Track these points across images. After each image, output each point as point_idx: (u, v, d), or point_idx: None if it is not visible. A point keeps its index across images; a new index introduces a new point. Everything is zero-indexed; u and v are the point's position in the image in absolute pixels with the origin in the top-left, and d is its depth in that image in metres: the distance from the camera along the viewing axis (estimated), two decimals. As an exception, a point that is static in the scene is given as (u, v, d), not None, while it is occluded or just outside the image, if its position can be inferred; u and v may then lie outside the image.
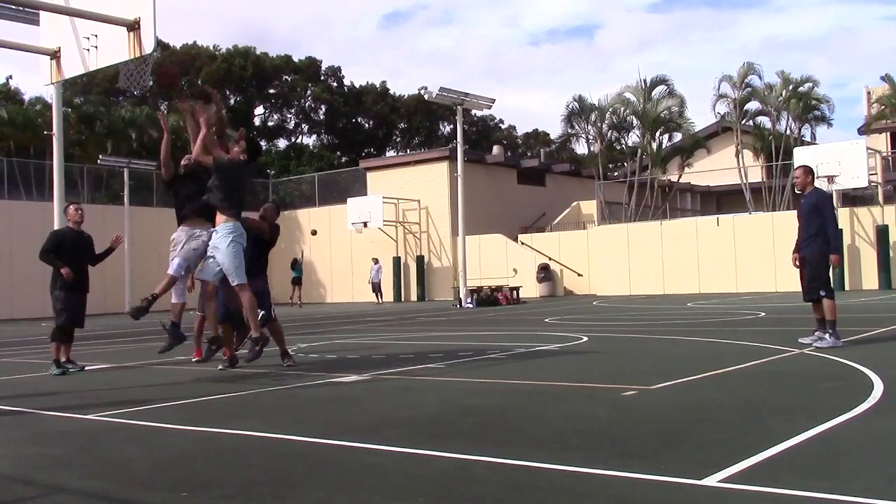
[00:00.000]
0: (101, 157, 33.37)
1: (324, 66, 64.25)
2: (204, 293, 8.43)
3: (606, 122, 35.57)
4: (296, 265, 31.50)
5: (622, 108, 35.23)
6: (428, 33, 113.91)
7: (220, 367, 8.39)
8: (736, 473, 3.47)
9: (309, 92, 62.88)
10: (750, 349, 8.55)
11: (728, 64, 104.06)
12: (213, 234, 7.64)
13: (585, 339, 10.83)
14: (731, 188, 37.12)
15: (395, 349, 10.30)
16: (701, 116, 79.05)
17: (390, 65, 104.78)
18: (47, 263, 9.28)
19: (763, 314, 14.76)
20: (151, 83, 10.02)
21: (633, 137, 36.57)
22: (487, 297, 25.42)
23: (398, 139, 68.54)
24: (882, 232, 24.83)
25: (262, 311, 7.85)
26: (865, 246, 25.28)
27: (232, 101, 58.01)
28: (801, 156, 25.65)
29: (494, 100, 28.00)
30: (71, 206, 9.75)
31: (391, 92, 65.89)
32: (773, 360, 7.58)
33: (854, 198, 29.96)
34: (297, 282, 31.19)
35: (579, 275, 31.26)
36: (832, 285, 8.83)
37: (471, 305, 25.08)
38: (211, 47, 59.63)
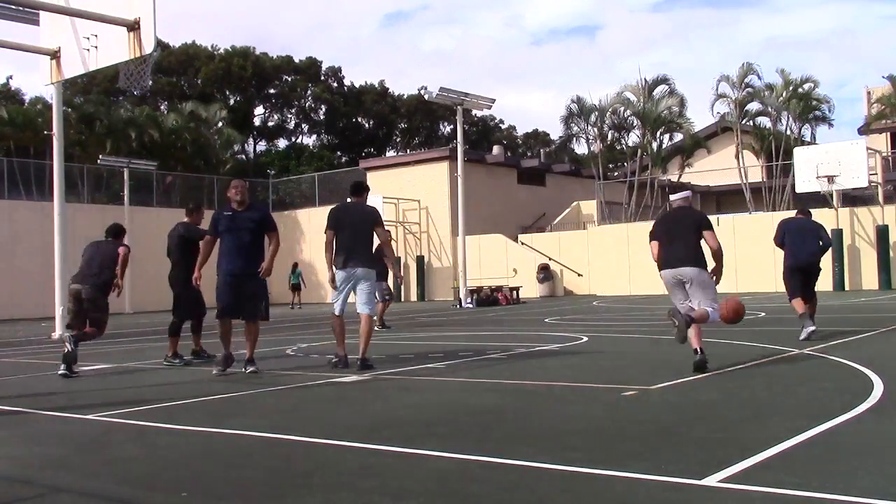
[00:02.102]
0: (101, 157, 33.36)
1: (324, 67, 64.32)
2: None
3: (607, 122, 35.58)
4: (294, 271, 31.43)
5: (622, 109, 35.25)
6: (429, 33, 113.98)
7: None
8: (736, 473, 3.47)
9: (309, 92, 62.91)
10: (750, 349, 8.55)
11: (730, 64, 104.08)
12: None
13: (585, 339, 10.83)
14: (731, 188, 37.11)
15: (395, 349, 10.30)
16: (702, 116, 79.03)
17: (392, 65, 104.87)
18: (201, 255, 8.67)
19: (763, 314, 14.75)
20: (151, 83, 10.06)
21: (633, 137, 36.61)
22: (487, 297, 25.42)
23: (398, 139, 68.56)
24: (882, 232, 24.82)
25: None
26: (865, 246, 25.28)
27: (231, 101, 58.03)
28: (800, 156, 25.67)
29: (494, 100, 28.01)
30: (193, 212, 9.96)
31: (391, 92, 65.96)
32: (773, 360, 7.58)
33: (854, 198, 29.95)
34: (296, 288, 31.10)
35: (579, 275, 31.26)
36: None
37: (471, 305, 25.08)
38: (209, 47, 59.64)
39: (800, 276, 9.81)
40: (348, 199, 8.58)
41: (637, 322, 14.25)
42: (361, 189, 8.51)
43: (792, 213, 11.13)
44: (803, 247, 9.83)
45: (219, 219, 8.17)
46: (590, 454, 4.00)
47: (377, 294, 8.70)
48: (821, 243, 9.94)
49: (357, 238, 8.05)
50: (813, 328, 9.35)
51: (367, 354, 8.00)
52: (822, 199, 26.33)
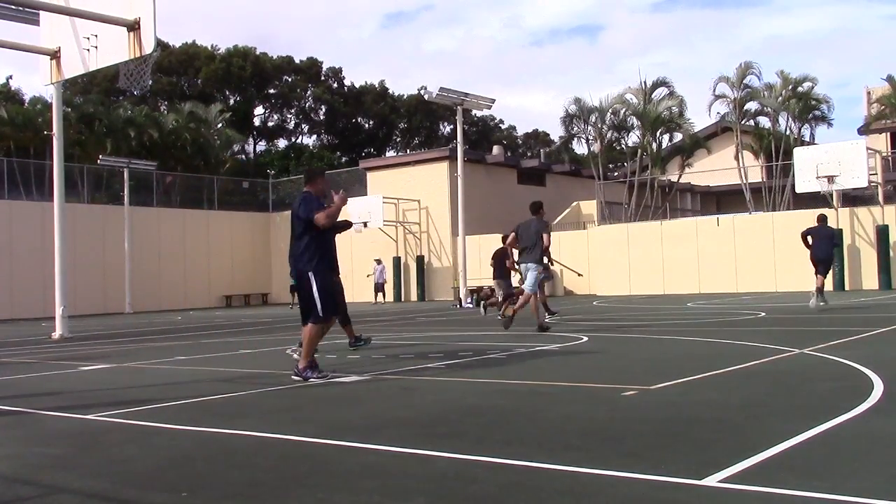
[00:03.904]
0: (101, 157, 33.38)
1: (325, 67, 64.34)
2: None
3: (607, 122, 35.58)
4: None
5: (622, 109, 35.24)
6: (431, 34, 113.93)
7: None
8: (736, 473, 3.47)
9: (309, 92, 62.91)
10: (750, 349, 8.55)
11: (731, 64, 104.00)
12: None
13: (585, 339, 10.82)
14: (731, 188, 37.13)
15: (395, 349, 10.30)
16: (703, 116, 78.86)
17: (393, 65, 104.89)
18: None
19: (763, 314, 14.76)
20: (151, 83, 10.02)
21: (633, 138, 36.62)
22: (487, 298, 25.39)
23: (398, 139, 68.60)
24: (882, 232, 24.82)
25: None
26: (865, 246, 25.28)
27: (231, 101, 58.03)
28: (800, 156, 25.65)
29: (494, 100, 28.03)
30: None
31: (391, 92, 65.98)
32: (773, 360, 7.58)
33: (854, 198, 29.95)
34: (294, 289, 31.13)
35: (579, 275, 31.20)
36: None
37: (471, 305, 25.07)
38: (209, 47, 59.64)
39: (819, 265, 15.35)
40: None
41: (637, 322, 14.25)
42: (537, 207, 12.60)
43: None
44: (821, 247, 15.22)
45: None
46: (590, 454, 4.00)
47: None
48: (835, 243, 16.59)
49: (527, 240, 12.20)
50: (823, 303, 15.25)
51: (512, 315, 12.17)
52: (822, 199, 26.33)
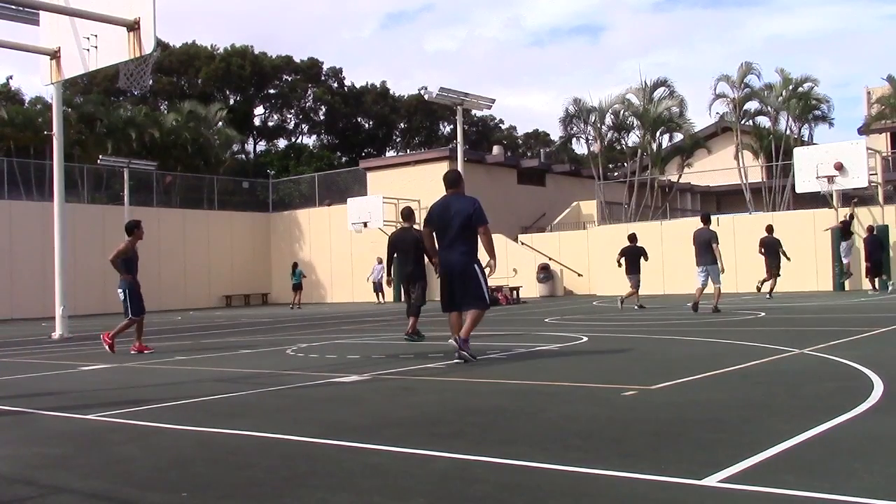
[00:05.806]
0: (101, 157, 33.33)
1: (325, 67, 64.31)
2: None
3: (607, 122, 35.59)
4: (295, 270, 31.47)
5: (622, 109, 35.24)
6: (432, 34, 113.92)
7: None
8: (736, 473, 3.47)
9: (309, 92, 62.87)
10: (750, 349, 8.55)
11: (731, 64, 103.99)
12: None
13: (585, 339, 10.82)
14: (731, 188, 37.12)
15: (395, 349, 10.30)
16: (703, 116, 78.93)
17: (394, 66, 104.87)
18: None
19: (763, 314, 14.76)
20: (151, 83, 9.99)
21: (633, 138, 36.62)
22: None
23: (398, 139, 68.58)
24: (882, 232, 24.78)
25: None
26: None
27: (231, 101, 58.02)
28: (801, 155, 25.63)
29: (494, 100, 27.99)
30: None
31: (391, 92, 65.98)
32: (773, 360, 7.58)
33: (854, 198, 29.89)
34: (297, 287, 31.18)
35: (579, 275, 31.25)
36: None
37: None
38: (209, 47, 59.62)
39: (873, 265, 21.73)
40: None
41: (637, 322, 14.25)
42: (707, 219, 16.58)
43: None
44: (874, 252, 22.00)
45: None
46: (590, 454, 4.00)
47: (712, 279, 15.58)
48: (882, 245, 22.51)
49: (701, 247, 15.79)
50: (888, 290, 21.25)
51: (717, 306, 15.64)
52: (822, 199, 26.32)
